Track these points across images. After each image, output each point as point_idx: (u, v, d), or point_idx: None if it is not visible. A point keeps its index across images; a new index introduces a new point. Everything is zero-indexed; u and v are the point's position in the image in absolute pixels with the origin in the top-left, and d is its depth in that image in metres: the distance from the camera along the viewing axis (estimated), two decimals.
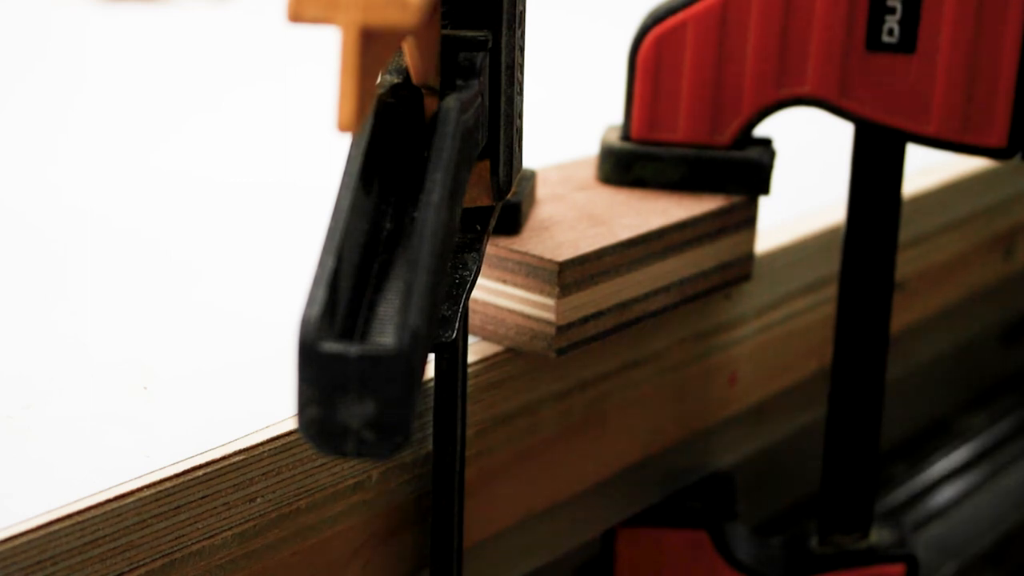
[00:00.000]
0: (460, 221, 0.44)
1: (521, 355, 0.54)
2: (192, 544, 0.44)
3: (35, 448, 0.45)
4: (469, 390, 0.52)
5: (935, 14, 0.56)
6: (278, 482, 0.46)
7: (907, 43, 0.57)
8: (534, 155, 0.56)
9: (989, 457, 0.95)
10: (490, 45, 0.46)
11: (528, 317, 0.53)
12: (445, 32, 0.45)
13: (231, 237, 0.67)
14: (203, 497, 0.44)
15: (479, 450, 0.54)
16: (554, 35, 1.00)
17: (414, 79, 0.43)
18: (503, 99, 0.47)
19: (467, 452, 0.52)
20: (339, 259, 0.36)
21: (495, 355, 0.54)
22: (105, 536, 0.42)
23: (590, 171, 0.62)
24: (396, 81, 0.43)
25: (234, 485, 0.45)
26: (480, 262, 0.47)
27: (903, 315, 0.73)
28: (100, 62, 1.02)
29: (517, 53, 0.48)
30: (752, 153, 0.60)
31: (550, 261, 0.52)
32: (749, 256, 0.62)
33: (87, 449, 0.45)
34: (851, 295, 0.62)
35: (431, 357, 0.50)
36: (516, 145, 0.49)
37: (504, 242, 0.53)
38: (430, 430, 0.51)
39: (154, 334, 0.54)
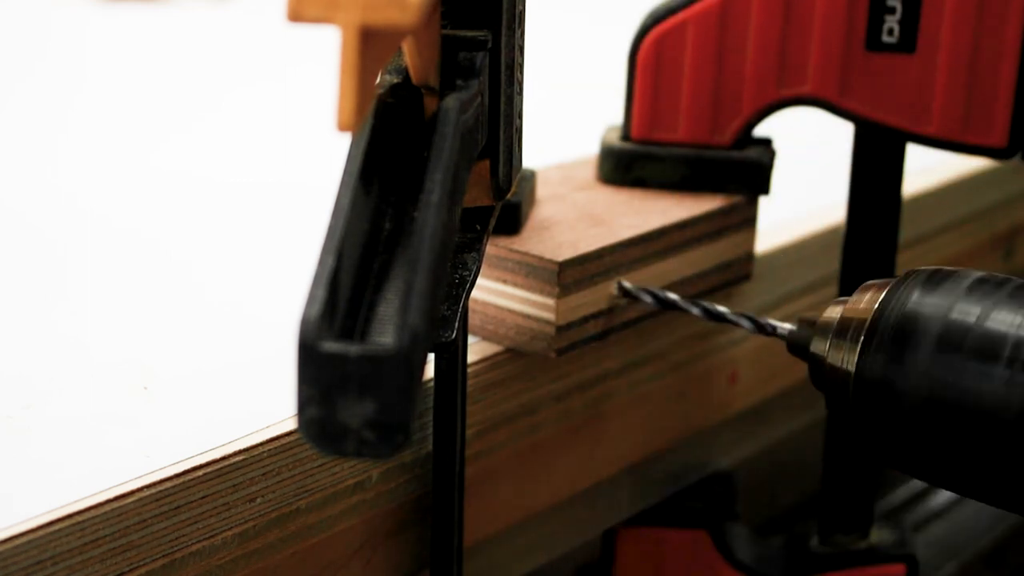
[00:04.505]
0: (460, 221, 0.44)
1: (521, 355, 0.54)
2: (192, 544, 0.44)
3: (35, 448, 0.45)
4: (469, 390, 0.52)
5: (935, 14, 0.56)
6: (278, 482, 0.46)
7: (907, 43, 0.57)
8: (534, 155, 0.56)
9: None
10: (490, 45, 0.46)
11: (528, 317, 0.53)
12: (445, 32, 0.45)
13: (231, 237, 0.67)
14: (203, 497, 0.44)
15: (479, 450, 0.54)
16: (554, 35, 1.00)
17: (414, 79, 0.43)
18: (503, 99, 0.47)
19: (467, 452, 0.52)
20: (339, 259, 0.36)
21: (495, 355, 0.54)
22: (105, 536, 0.42)
23: (590, 171, 0.62)
24: (396, 81, 0.43)
25: (234, 485, 0.45)
26: (480, 262, 0.47)
27: None
28: (100, 62, 1.02)
29: (517, 53, 0.48)
30: (752, 153, 0.60)
31: (550, 261, 0.52)
32: (749, 256, 0.62)
33: (87, 449, 0.45)
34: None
35: (431, 357, 0.49)
36: (516, 145, 0.49)
37: (504, 242, 0.53)
38: (430, 430, 0.51)
39: (154, 334, 0.54)
